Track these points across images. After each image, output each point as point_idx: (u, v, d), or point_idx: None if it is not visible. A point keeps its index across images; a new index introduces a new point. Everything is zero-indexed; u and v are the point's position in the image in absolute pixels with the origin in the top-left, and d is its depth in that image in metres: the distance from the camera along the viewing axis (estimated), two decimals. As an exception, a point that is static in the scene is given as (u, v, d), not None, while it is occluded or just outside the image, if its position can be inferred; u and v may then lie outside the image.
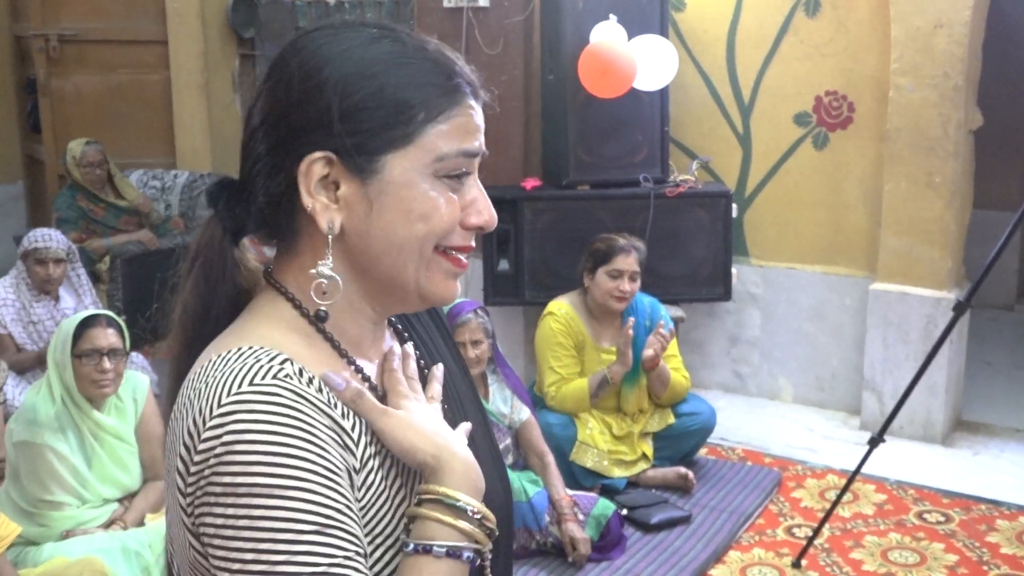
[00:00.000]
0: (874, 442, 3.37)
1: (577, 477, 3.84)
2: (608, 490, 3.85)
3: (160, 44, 6.36)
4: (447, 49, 1.07)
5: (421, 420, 1.02)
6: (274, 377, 0.94)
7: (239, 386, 0.93)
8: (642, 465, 4.00)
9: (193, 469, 0.92)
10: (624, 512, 3.69)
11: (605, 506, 3.55)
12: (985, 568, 3.45)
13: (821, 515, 3.57)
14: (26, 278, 4.50)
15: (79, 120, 6.31)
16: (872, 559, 3.52)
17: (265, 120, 1.03)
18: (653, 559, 3.46)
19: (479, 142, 1.05)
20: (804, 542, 3.52)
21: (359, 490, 0.98)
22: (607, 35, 4.32)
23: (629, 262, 3.89)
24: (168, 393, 1.07)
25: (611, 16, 4.37)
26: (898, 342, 4.44)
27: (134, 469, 3.33)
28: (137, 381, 3.38)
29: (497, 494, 1.13)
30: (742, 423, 4.65)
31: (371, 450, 1.00)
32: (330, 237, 1.01)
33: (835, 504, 3.53)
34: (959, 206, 4.35)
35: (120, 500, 3.31)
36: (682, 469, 3.98)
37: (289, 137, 1.01)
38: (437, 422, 1.04)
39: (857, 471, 3.47)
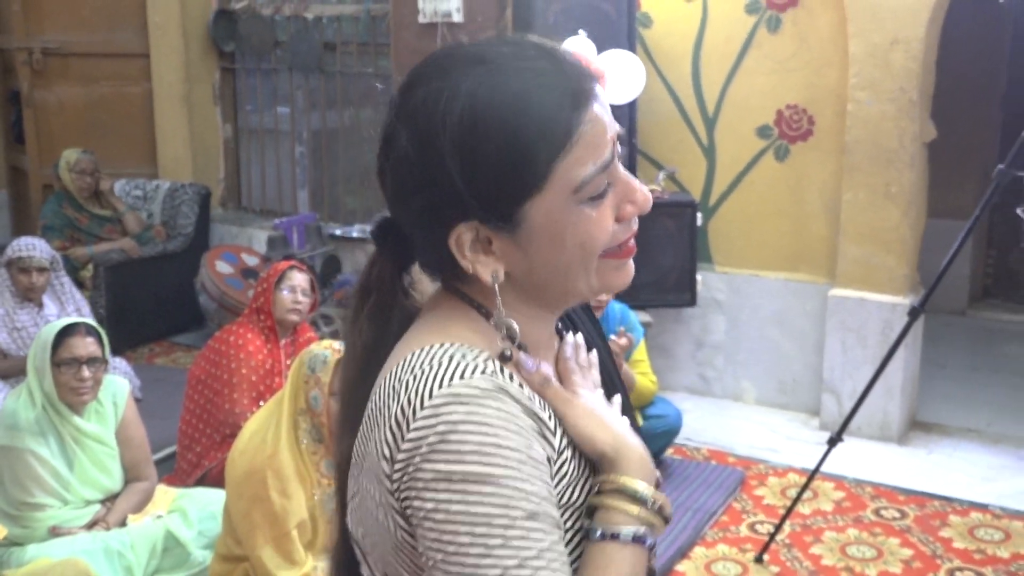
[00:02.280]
0: (833, 442, 3.39)
1: (548, 477, 3.84)
2: (578, 489, 3.86)
3: (142, 57, 6.34)
4: (548, 52, 1.01)
5: (600, 410, 1.04)
6: (482, 373, 0.95)
7: (450, 379, 0.94)
8: (611, 465, 4.00)
9: (401, 456, 0.94)
10: (594, 511, 3.70)
11: (575, 505, 3.56)
12: (938, 562, 3.48)
13: (782, 512, 3.59)
14: (10, 285, 4.47)
15: (62, 131, 6.27)
16: (831, 554, 3.54)
17: (398, 196, 1.01)
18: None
19: (610, 144, 0.99)
20: (766, 538, 3.54)
21: (554, 478, 0.99)
22: (577, 50, 4.34)
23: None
24: (345, 416, 1.10)
25: (580, 31, 4.39)
26: (856, 346, 4.48)
27: (115, 471, 3.31)
28: (117, 386, 3.36)
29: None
30: (707, 424, 4.67)
31: (565, 440, 1.02)
32: (496, 285, 1.01)
33: (796, 501, 3.55)
34: (914, 215, 4.40)
35: (102, 502, 3.29)
36: (649, 469, 3.99)
37: (428, 210, 0.99)
38: (613, 412, 1.05)
39: (817, 470, 3.49)
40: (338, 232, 5.88)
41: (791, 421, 4.73)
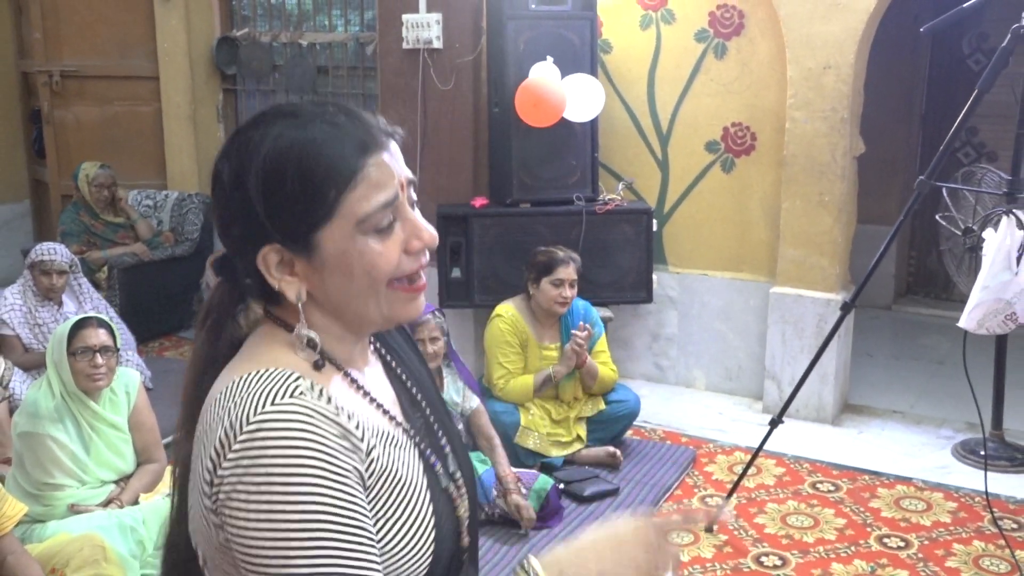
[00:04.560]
0: (774, 423, 3.41)
1: (520, 457, 3.84)
2: (547, 467, 3.85)
3: (152, 80, 6.28)
4: (347, 110, 1.05)
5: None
6: (291, 396, 0.96)
7: (263, 406, 0.95)
8: (577, 445, 4.00)
9: (219, 476, 0.94)
10: (561, 486, 3.69)
11: (545, 481, 3.55)
12: (868, 530, 3.50)
13: (730, 486, 3.60)
14: (32, 286, 4.42)
15: (79, 147, 6.21)
16: (773, 523, 3.55)
17: (222, 225, 1.06)
18: (587, 527, 3.45)
19: (396, 185, 1.03)
20: (716, 509, 3.54)
21: (369, 478, 1.00)
22: (543, 73, 4.34)
23: (569, 272, 3.90)
24: (184, 418, 1.09)
25: (548, 57, 4.39)
26: (794, 337, 4.50)
27: (128, 454, 3.27)
28: (129, 377, 3.33)
29: (466, 469, 1.18)
30: (662, 408, 4.68)
31: (373, 441, 1.02)
32: (299, 304, 1.04)
33: (741, 477, 3.56)
34: (845, 221, 4.42)
35: (116, 482, 3.25)
36: (611, 448, 3.99)
37: (242, 237, 1.04)
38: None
39: (760, 448, 3.51)
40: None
41: (737, 405, 4.75)
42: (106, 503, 3.16)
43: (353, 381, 1.08)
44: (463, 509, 1.13)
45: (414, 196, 1.07)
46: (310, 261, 1.02)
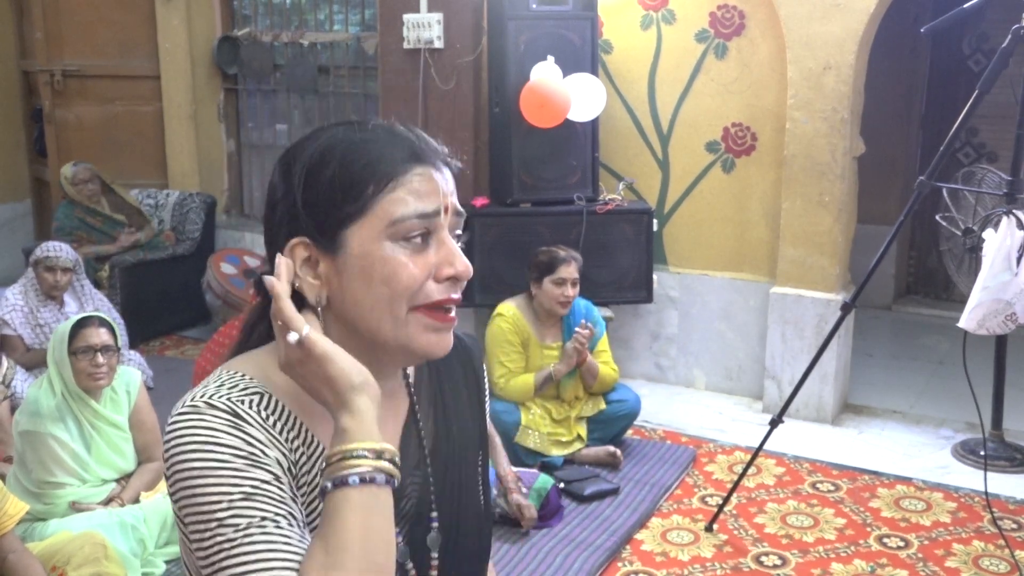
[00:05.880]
0: (774, 423, 3.40)
1: (520, 456, 3.84)
2: (547, 467, 3.85)
3: (153, 79, 6.28)
4: (410, 128, 1.04)
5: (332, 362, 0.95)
6: (225, 397, 0.96)
7: (193, 400, 0.96)
8: (577, 445, 4.00)
9: (165, 463, 0.96)
10: (561, 486, 3.69)
11: (545, 480, 3.55)
12: (868, 530, 3.50)
13: (730, 486, 3.60)
14: (35, 284, 4.42)
15: (80, 146, 6.21)
16: (773, 523, 3.55)
17: (267, 219, 1.05)
18: (587, 526, 3.47)
19: (439, 202, 0.99)
20: (715, 509, 3.55)
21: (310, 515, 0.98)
22: (545, 74, 4.33)
23: (570, 271, 3.89)
24: None
25: (549, 57, 4.38)
26: (794, 337, 4.50)
27: (129, 453, 3.27)
28: (130, 376, 3.33)
29: (476, 509, 1.16)
30: (662, 408, 4.68)
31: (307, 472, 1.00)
32: (319, 308, 1.00)
33: (741, 476, 3.56)
34: (845, 221, 4.42)
35: (117, 480, 3.26)
36: (611, 448, 3.99)
37: (277, 230, 1.02)
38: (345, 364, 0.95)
39: (760, 448, 3.51)
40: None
41: (737, 405, 4.75)
42: (107, 501, 3.17)
43: None
44: None
45: (459, 230, 1.03)
46: (334, 261, 0.99)
